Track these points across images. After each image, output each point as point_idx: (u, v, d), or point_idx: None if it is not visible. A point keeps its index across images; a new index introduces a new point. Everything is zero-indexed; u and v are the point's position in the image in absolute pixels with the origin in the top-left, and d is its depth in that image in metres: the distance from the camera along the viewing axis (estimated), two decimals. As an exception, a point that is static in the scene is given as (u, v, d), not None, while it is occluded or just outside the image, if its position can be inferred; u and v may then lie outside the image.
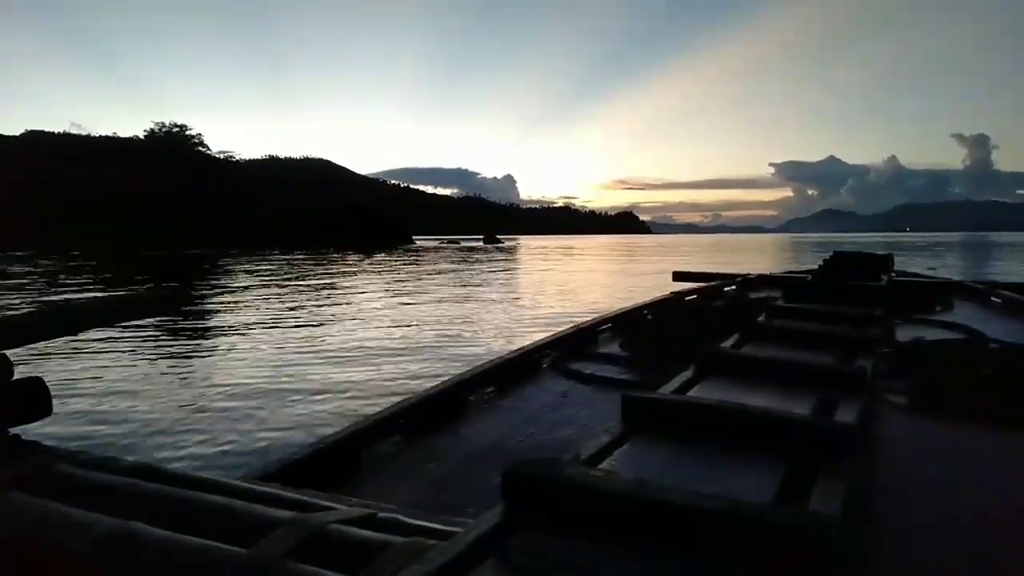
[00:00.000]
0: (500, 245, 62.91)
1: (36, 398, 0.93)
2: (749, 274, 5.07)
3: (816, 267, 4.30)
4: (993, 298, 3.99)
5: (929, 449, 1.54)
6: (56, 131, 71.57)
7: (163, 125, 65.95)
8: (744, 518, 0.68)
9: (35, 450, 0.89)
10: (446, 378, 2.03)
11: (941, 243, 65.86)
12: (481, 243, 70.62)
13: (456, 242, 76.00)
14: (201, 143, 67.93)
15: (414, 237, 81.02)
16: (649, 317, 3.45)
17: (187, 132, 66.22)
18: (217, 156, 67.89)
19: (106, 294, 1.27)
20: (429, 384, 1.98)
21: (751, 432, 1.07)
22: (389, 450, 1.59)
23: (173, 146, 63.52)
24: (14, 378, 0.91)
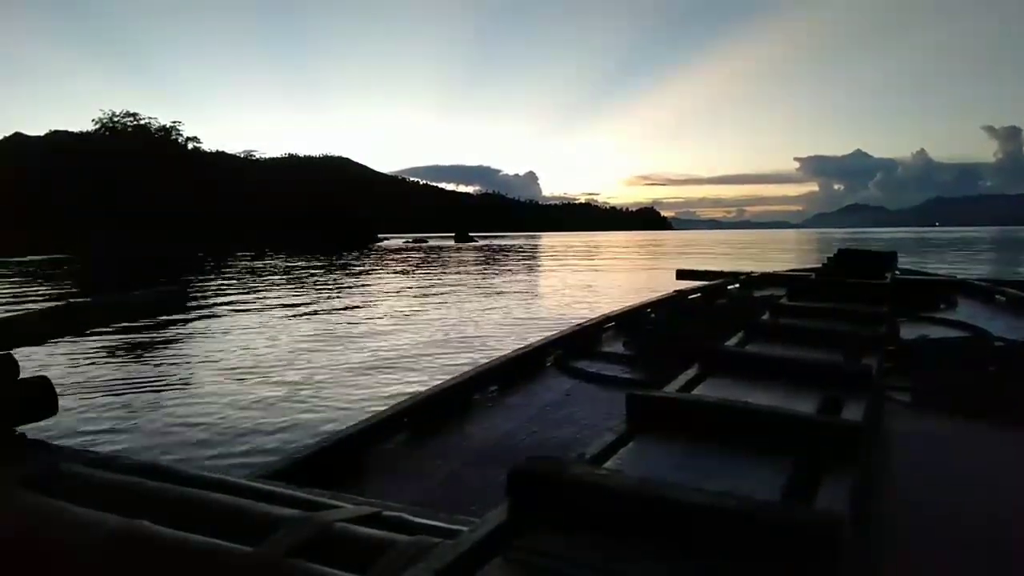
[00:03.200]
0: (474, 244, 56.72)
1: (42, 397, 0.93)
2: (752, 272, 5.07)
3: (820, 265, 4.29)
4: (997, 296, 3.98)
5: (934, 446, 1.54)
6: (78, 131, 65.80)
7: (112, 113, 59.02)
8: (752, 516, 0.68)
9: (41, 448, 0.90)
10: (451, 376, 2.06)
11: (973, 239, 63.48)
12: (452, 242, 63.02)
13: (424, 240, 68.88)
14: (193, 137, 62.66)
15: (384, 235, 76.64)
16: (653, 315, 3.45)
17: (143, 122, 59.52)
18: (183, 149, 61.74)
19: (112, 293, 1.30)
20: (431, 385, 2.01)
21: (757, 430, 1.06)
22: (394, 448, 1.61)
23: (140, 140, 57.38)
24: (20, 377, 0.91)
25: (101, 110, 64.79)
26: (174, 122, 63.84)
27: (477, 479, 1.41)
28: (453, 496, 1.33)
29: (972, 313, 3.42)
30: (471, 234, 75.78)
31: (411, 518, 0.77)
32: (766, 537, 0.67)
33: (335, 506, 0.78)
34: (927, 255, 26.26)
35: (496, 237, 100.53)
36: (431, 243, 62.68)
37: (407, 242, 66.00)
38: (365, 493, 0.96)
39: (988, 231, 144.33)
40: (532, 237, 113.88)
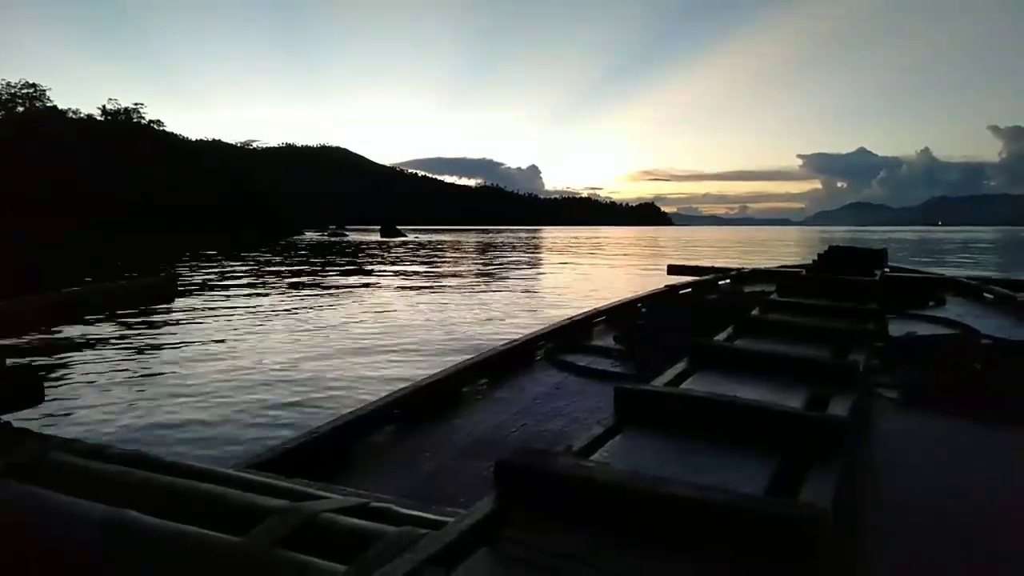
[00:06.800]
0: (403, 239, 47.87)
1: (27, 386, 0.93)
2: (743, 268, 5.09)
3: (810, 261, 4.30)
4: (985, 294, 3.99)
5: (920, 443, 1.54)
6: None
7: (9, 84, 44.73)
8: (737, 509, 0.69)
9: (27, 438, 0.90)
10: (440, 369, 2.06)
11: (978, 239, 62.30)
12: (378, 236, 53.05)
13: (343, 234, 59.45)
14: (156, 121, 51.75)
15: (358, 227, 67.71)
16: (643, 310, 3.45)
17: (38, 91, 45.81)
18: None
19: (101, 282, 1.29)
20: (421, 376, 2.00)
21: (744, 425, 1.08)
22: (382, 440, 1.60)
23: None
24: (6, 366, 0.91)
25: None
26: (136, 104, 53.50)
27: (465, 471, 1.41)
28: (441, 488, 1.33)
29: (961, 311, 3.43)
30: (399, 227, 62.10)
31: (398, 509, 0.77)
32: (750, 530, 0.67)
33: (322, 497, 0.78)
34: (930, 256, 25.48)
35: (431, 231, 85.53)
36: (351, 237, 54.30)
37: (323, 235, 58.26)
38: (353, 484, 0.96)
39: (993, 231, 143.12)
40: (532, 231, 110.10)
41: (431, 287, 12.63)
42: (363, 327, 7.62)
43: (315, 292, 11.92)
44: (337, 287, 12.77)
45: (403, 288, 12.53)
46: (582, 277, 15.81)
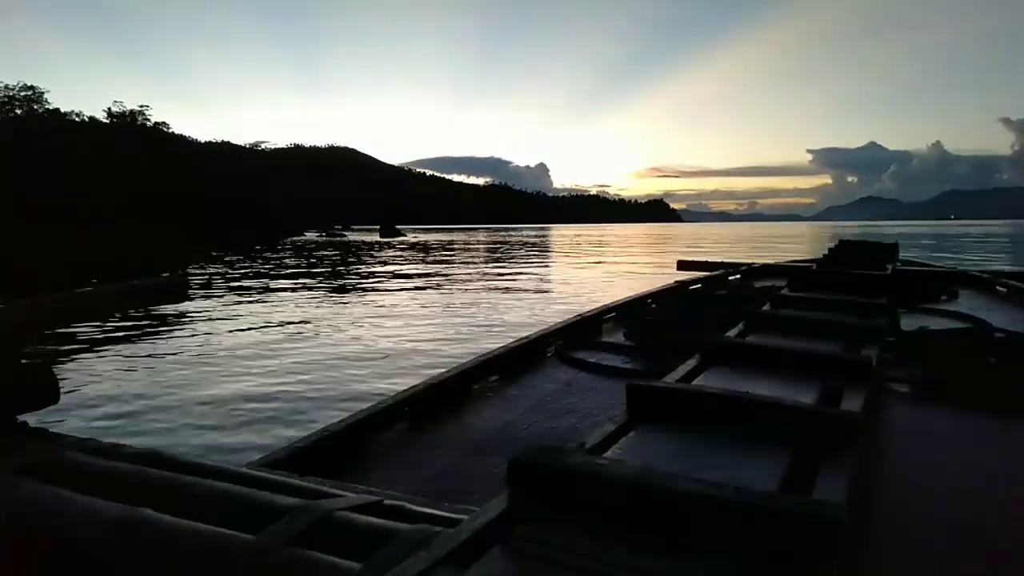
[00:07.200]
0: (402, 239, 46.83)
1: (43, 385, 0.94)
2: (753, 263, 5.06)
3: (821, 256, 4.28)
4: (998, 287, 3.93)
5: (933, 438, 1.52)
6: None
7: (7, 86, 45.17)
8: (750, 505, 0.69)
9: (42, 437, 0.90)
10: (451, 366, 2.07)
11: (993, 233, 61.28)
12: (377, 236, 51.14)
13: (341, 235, 57.16)
14: (161, 123, 50.00)
15: (363, 227, 64.85)
16: (653, 306, 3.44)
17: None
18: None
19: (113, 282, 1.31)
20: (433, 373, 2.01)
21: (756, 420, 1.08)
22: (394, 438, 1.61)
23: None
24: (21, 364, 0.91)
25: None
26: (142, 106, 52.84)
27: (478, 469, 1.41)
28: (454, 485, 1.33)
29: (973, 305, 3.39)
30: (402, 227, 60.10)
31: (412, 507, 0.77)
32: (764, 527, 0.67)
33: (336, 495, 0.78)
34: (943, 251, 24.93)
35: (432, 231, 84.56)
36: (351, 237, 52.36)
37: (322, 235, 55.78)
38: (366, 482, 0.96)
39: (1006, 224, 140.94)
40: (541, 229, 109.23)
41: (398, 290, 12.10)
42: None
43: (278, 296, 11.44)
44: (303, 288, 12.36)
45: (365, 291, 11.98)
46: (589, 274, 15.68)
